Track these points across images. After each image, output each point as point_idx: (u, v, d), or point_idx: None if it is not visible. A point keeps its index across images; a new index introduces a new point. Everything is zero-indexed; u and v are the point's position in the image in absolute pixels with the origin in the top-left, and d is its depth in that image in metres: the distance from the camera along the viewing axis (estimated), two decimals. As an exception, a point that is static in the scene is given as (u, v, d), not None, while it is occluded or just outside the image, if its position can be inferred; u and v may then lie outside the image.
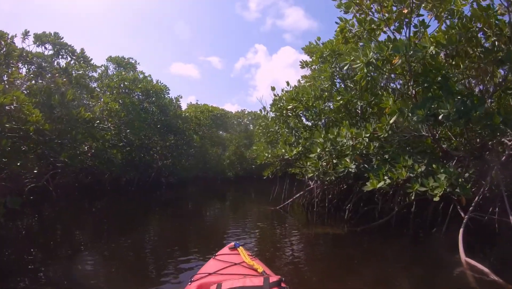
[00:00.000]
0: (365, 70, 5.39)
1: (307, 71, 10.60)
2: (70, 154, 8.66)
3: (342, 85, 8.65)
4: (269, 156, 9.21)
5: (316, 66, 9.90)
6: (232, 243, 3.54)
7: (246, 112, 26.91)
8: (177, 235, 7.38)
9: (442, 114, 4.98)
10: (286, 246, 6.44)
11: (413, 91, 6.24)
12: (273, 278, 2.45)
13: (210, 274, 2.86)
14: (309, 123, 9.97)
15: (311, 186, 9.98)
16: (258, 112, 25.77)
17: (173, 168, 17.10)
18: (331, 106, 9.20)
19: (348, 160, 6.69)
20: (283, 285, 2.42)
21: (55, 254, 5.64)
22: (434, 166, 5.49)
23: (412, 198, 5.40)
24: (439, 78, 5.68)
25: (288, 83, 9.90)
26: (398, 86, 7.92)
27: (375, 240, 6.75)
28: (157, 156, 17.01)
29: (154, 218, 10.12)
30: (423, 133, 6.60)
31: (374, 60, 5.41)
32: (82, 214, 10.38)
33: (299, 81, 11.58)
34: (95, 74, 17.37)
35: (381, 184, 5.63)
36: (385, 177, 5.69)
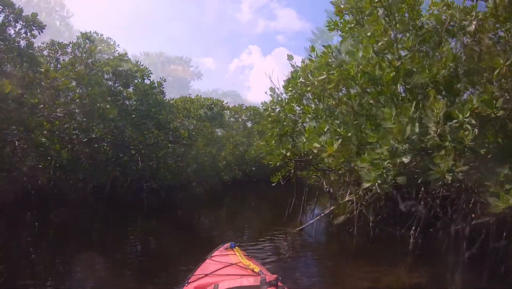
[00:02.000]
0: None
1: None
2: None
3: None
4: (288, 153, 6.16)
5: (345, 35, 6.88)
6: (228, 244, 3.32)
7: (244, 107, 23.85)
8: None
9: None
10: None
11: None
12: (270, 278, 2.39)
13: (206, 275, 2.78)
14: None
15: (347, 198, 6.90)
16: (258, 108, 22.67)
17: (157, 170, 13.93)
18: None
19: (447, 158, 3.70)
20: (279, 284, 2.36)
21: None
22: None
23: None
24: None
25: (313, 49, 6.84)
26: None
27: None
28: (138, 155, 13.78)
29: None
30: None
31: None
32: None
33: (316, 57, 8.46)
34: (66, 59, 14.24)
35: (515, 201, 3.00)
36: (507, 185, 3.30)
